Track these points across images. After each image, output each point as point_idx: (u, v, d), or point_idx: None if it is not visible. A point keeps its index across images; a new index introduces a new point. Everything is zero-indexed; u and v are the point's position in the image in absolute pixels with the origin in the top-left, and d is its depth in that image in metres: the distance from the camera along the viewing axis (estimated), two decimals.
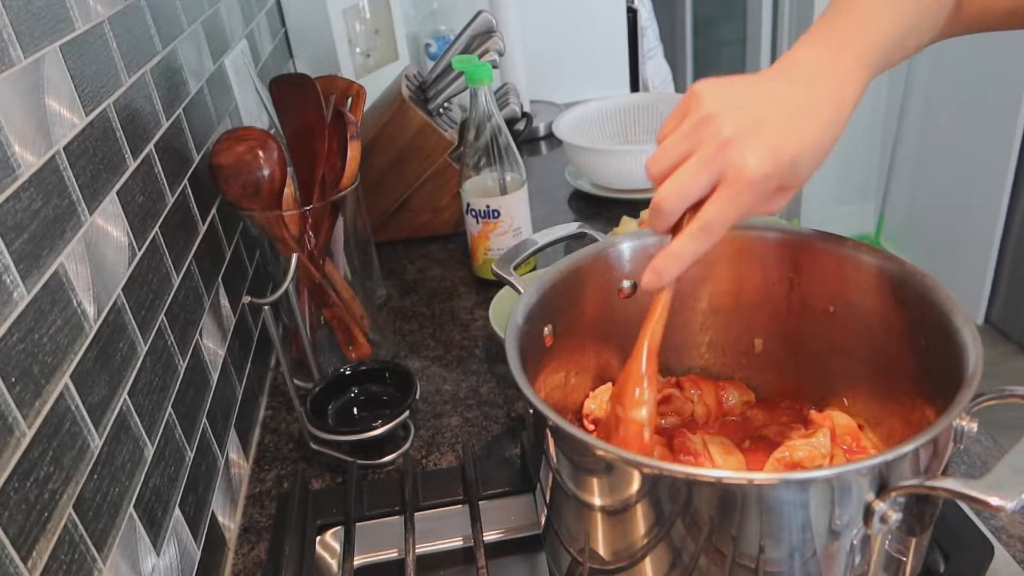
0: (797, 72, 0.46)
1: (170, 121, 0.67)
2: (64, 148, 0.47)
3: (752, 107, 0.44)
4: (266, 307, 0.70)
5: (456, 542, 0.62)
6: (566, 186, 1.23)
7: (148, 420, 0.53)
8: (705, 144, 0.44)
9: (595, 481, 0.45)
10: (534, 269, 0.96)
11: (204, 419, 0.64)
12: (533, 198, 0.98)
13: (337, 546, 0.63)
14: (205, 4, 0.84)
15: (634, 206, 1.12)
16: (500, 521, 0.63)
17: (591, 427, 0.62)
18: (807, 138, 0.44)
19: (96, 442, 0.45)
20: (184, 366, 0.61)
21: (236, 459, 0.70)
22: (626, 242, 0.61)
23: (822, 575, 0.43)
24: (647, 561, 0.45)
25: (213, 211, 0.75)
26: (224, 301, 0.74)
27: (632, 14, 1.54)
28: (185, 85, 0.73)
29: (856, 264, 0.54)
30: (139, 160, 0.58)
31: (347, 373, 0.77)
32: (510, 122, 1.22)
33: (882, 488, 0.40)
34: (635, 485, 0.42)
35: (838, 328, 0.57)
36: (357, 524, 0.63)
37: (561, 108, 1.47)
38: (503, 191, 0.93)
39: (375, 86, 1.15)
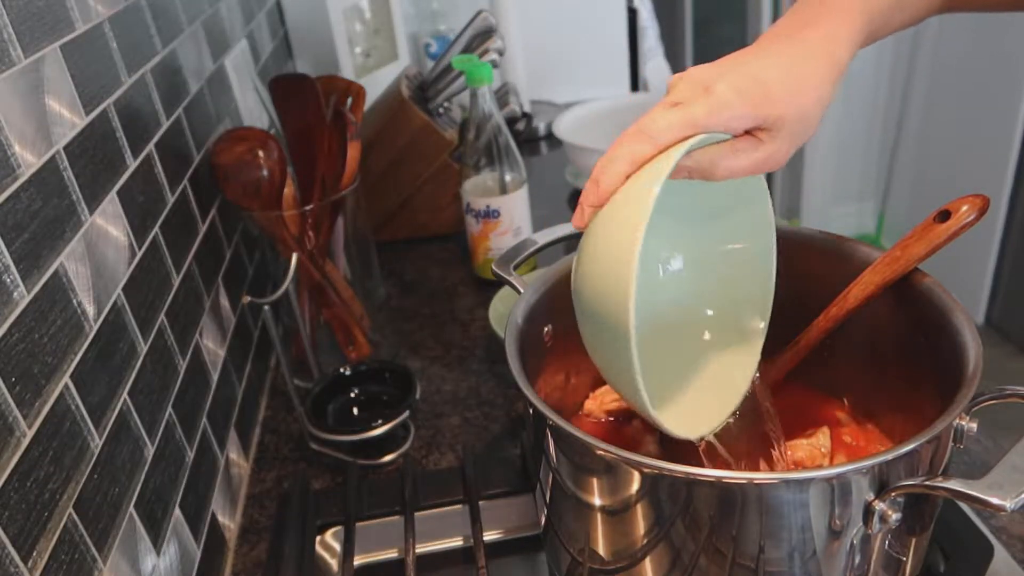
0: (769, 41, 0.44)
1: (170, 121, 0.67)
2: (64, 148, 0.47)
3: (722, 63, 0.43)
4: (266, 307, 0.70)
5: (456, 542, 0.62)
6: (566, 186, 1.23)
7: (148, 420, 0.53)
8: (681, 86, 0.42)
9: (595, 481, 0.45)
10: (534, 269, 0.96)
11: (204, 419, 0.64)
12: (533, 198, 0.98)
13: (337, 546, 0.63)
14: (205, 4, 0.84)
15: None
16: (500, 521, 0.63)
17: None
18: (779, 71, 0.41)
19: (96, 442, 0.45)
20: (184, 366, 0.61)
21: (236, 459, 0.70)
22: None
23: (822, 575, 0.43)
24: (647, 561, 0.45)
25: (213, 211, 0.75)
26: (224, 301, 0.74)
27: (632, 14, 1.54)
28: (185, 85, 0.73)
29: (856, 263, 0.54)
30: (139, 160, 0.58)
31: (347, 373, 0.77)
32: (510, 122, 1.22)
33: (882, 488, 0.40)
34: (635, 485, 0.42)
35: (838, 328, 0.56)
36: (357, 524, 0.63)
37: (561, 108, 1.47)
38: (503, 191, 0.93)
39: (375, 86, 1.15)
